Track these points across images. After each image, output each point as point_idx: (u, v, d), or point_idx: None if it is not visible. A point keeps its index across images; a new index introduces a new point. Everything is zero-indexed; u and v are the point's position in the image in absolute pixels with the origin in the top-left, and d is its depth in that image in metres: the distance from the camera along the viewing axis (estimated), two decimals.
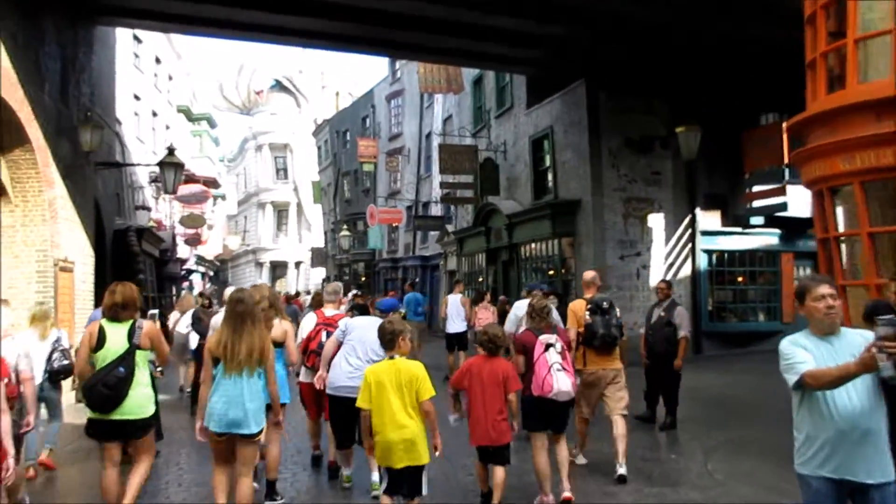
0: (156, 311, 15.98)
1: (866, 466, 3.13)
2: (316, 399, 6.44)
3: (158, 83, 26.54)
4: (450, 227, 23.34)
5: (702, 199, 15.04)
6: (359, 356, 5.80)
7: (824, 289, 3.30)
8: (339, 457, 6.20)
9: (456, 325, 12.77)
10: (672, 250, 14.88)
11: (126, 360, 4.88)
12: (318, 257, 40.98)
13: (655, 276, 14.25)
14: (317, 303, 7.81)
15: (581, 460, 6.68)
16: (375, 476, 5.53)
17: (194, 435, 4.93)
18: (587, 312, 6.57)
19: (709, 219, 15.16)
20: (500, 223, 17.91)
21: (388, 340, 4.68)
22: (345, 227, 33.20)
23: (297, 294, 27.76)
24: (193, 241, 29.81)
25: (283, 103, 50.00)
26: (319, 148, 42.52)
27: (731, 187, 15.27)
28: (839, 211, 6.31)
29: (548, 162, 16.53)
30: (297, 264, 50.34)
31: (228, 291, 7.59)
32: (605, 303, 6.57)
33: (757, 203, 15.02)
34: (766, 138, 14.10)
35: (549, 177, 16.41)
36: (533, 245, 16.88)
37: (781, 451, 6.63)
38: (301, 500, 5.93)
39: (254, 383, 4.77)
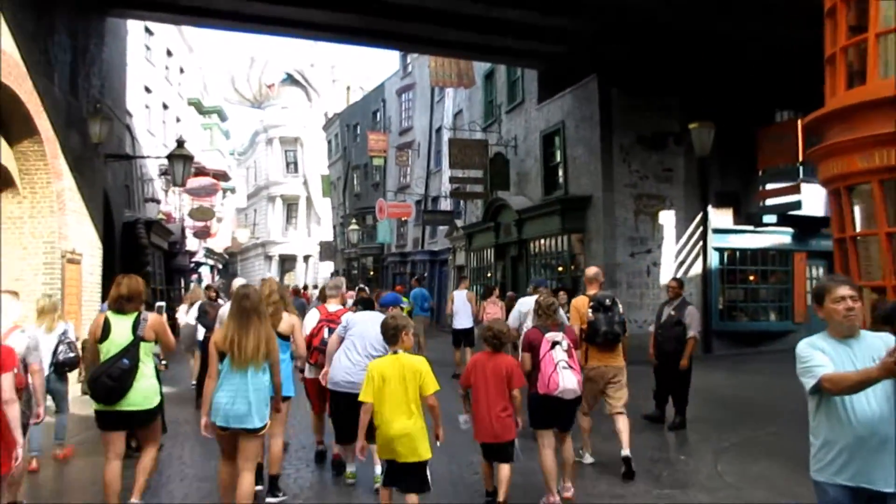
0: (162, 304, 16.03)
1: (885, 474, 3.01)
2: (320, 395, 6.41)
3: (170, 76, 26.54)
4: (459, 222, 23.25)
5: (714, 197, 14.88)
6: (358, 351, 5.82)
7: (844, 290, 3.18)
8: (343, 452, 6.16)
9: (463, 320, 12.71)
10: (683, 248, 14.73)
11: (130, 351, 4.90)
12: (327, 251, 40.98)
13: (666, 273, 14.12)
14: (324, 296, 7.75)
15: (588, 459, 6.59)
16: (378, 469, 5.51)
17: (199, 429, 4.90)
18: (590, 309, 6.55)
19: (721, 216, 15.00)
20: (510, 219, 17.80)
21: (392, 336, 4.66)
22: (354, 221, 33.17)
23: (305, 287, 27.77)
24: (202, 233, 29.85)
25: (294, 97, 50.00)
26: (329, 142, 42.50)
27: (743, 185, 15.10)
28: (856, 210, 6.17)
29: (558, 157, 16.41)
30: (306, 258, 50.39)
31: (237, 283, 7.56)
32: (607, 300, 6.56)
33: (770, 201, 14.87)
34: (780, 135, 13.93)
35: (560, 172, 16.29)
36: (542, 241, 16.76)
37: (793, 453, 6.54)
38: (304, 496, 5.86)
39: (259, 378, 4.75)
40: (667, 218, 14.64)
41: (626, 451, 6.23)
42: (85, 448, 7.35)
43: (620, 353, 6.59)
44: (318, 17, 13.48)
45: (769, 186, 14.93)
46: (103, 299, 12.14)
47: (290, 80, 49.56)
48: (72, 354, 6.95)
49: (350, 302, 8.58)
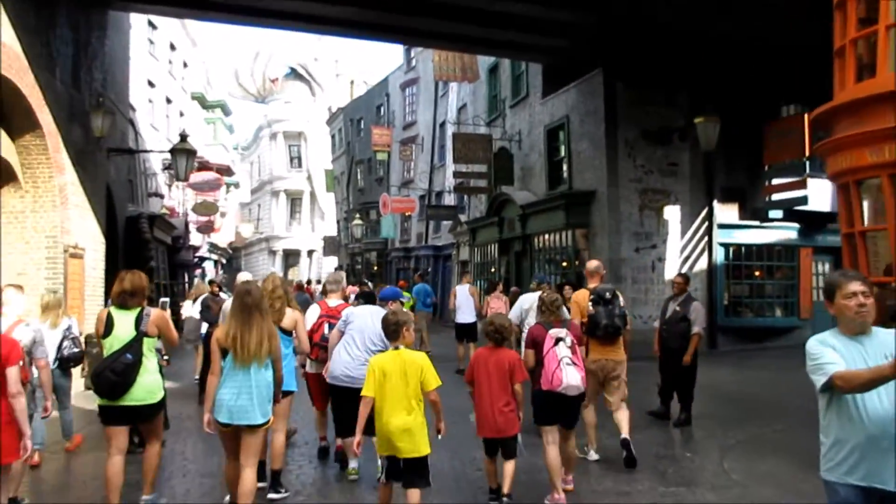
0: (166, 300, 16.01)
1: None
2: (322, 390, 6.38)
3: (173, 70, 26.49)
4: (463, 217, 23.18)
5: (719, 192, 14.78)
6: (358, 346, 5.83)
7: (856, 285, 3.11)
8: (345, 446, 6.13)
9: (465, 315, 12.70)
10: (688, 243, 14.64)
11: (133, 346, 4.91)
12: (331, 246, 40.97)
13: (671, 269, 14.05)
14: (326, 291, 7.73)
15: (593, 456, 6.54)
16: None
17: (201, 425, 4.89)
18: (590, 303, 6.55)
19: (726, 212, 14.90)
20: (514, 213, 17.73)
21: (393, 331, 4.64)
22: (357, 215, 33.14)
23: (309, 282, 27.74)
24: (206, 228, 29.82)
25: (298, 91, 49.94)
26: (333, 136, 42.44)
27: (749, 180, 15.00)
28: (865, 205, 6.08)
29: (563, 152, 16.32)
30: (310, 253, 50.40)
31: (241, 277, 7.54)
32: (608, 293, 6.55)
33: (776, 196, 14.75)
34: (787, 130, 13.80)
35: (564, 167, 16.21)
36: (546, 236, 16.69)
37: (800, 451, 6.48)
38: (307, 492, 5.82)
39: (262, 375, 4.74)
40: (672, 213, 14.55)
41: (624, 434, 6.33)
42: (87, 443, 7.34)
43: (621, 346, 6.60)
44: (322, 10, 13.40)
45: (775, 181, 14.82)
46: (106, 294, 12.12)
47: (294, 74, 49.51)
48: (76, 350, 6.97)
49: (353, 297, 8.54)
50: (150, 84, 22.73)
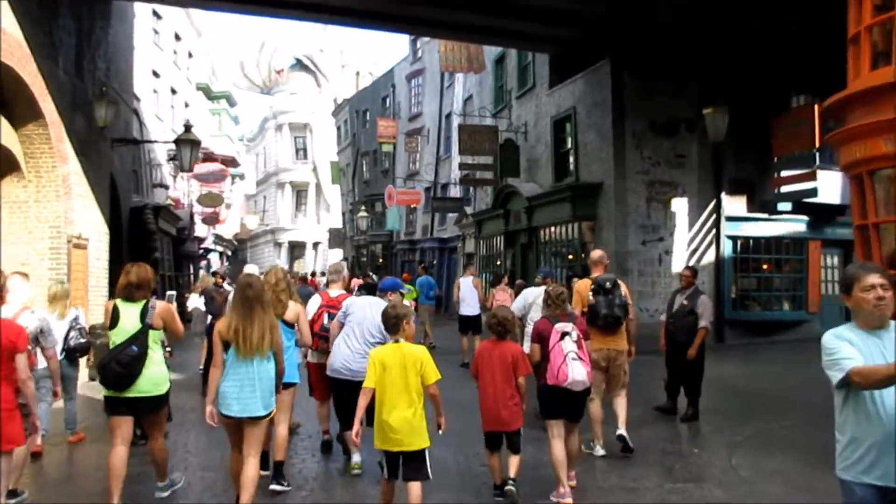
0: (173, 293, 15.99)
1: None
2: (322, 380, 6.33)
3: (178, 60, 26.40)
4: (468, 209, 23.07)
5: (728, 184, 14.63)
6: (357, 339, 5.82)
7: (874, 278, 3.00)
8: (346, 439, 6.09)
9: (469, 307, 12.62)
10: (696, 236, 14.51)
11: (139, 339, 4.93)
12: (336, 238, 40.93)
13: (678, 262, 13.92)
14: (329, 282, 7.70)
15: (599, 452, 6.44)
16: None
17: (204, 417, 4.87)
18: (590, 292, 6.56)
19: (734, 204, 14.76)
20: (520, 206, 17.62)
21: (393, 325, 4.64)
22: (363, 207, 33.05)
23: (314, 274, 27.69)
24: (211, 219, 29.81)
25: (304, 83, 49.81)
26: (339, 128, 42.34)
27: (758, 172, 14.84)
28: (879, 196, 5.95)
29: (569, 143, 16.19)
30: (316, 245, 50.38)
31: (247, 269, 7.49)
32: (608, 282, 6.55)
33: (785, 188, 14.60)
34: (797, 121, 13.65)
35: (571, 159, 16.07)
36: (552, 228, 16.58)
37: (810, 447, 6.39)
38: (309, 486, 5.75)
39: (265, 367, 4.76)
40: (679, 205, 14.41)
41: (621, 430, 6.41)
42: (91, 435, 7.30)
43: (623, 335, 6.61)
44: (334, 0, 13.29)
45: (784, 173, 14.66)
46: (110, 285, 12.08)
47: (300, 65, 49.37)
48: (83, 340, 7.04)
49: (357, 291, 8.48)
50: (155, 74, 22.66)
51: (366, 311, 5.87)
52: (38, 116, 9.64)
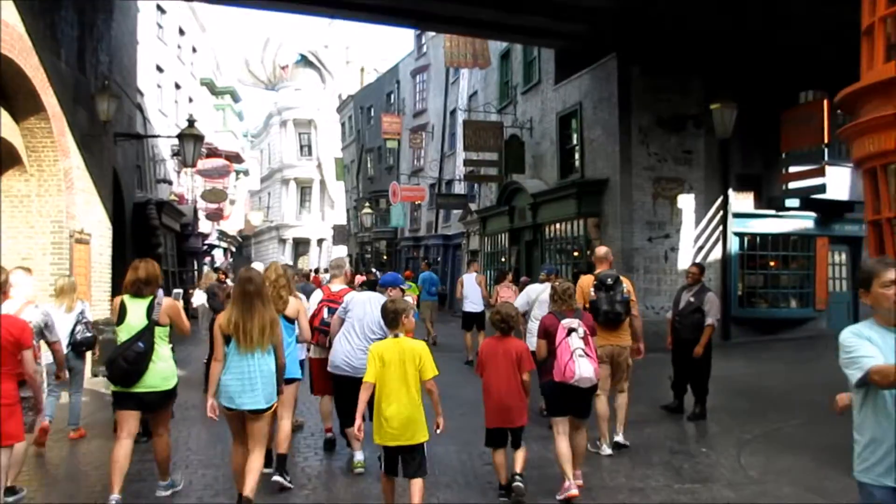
0: (179, 291, 15.92)
1: None
2: (323, 375, 6.28)
3: (182, 55, 26.34)
4: (473, 206, 22.97)
5: (735, 180, 14.48)
6: (357, 335, 5.79)
7: (894, 273, 2.89)
8: (348, 436, 6.02)
9: (473, 304, 12.55)
10: (702, 233, 14.37)
11: (144, 335, 4.96)
12: (341, 235, 40.84)
13: (684, 259, 13.79)
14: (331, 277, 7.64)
15: (606, 451, 6.35)
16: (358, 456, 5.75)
17: (206, 413, 4.85)
18: (592, 289, 6.56)
19: (741, 200, 14.60)
20: (525, 202, 17.50)
21: (392, 320, 4.66)
22: (367, 204, 32.95)
23: (317, 271, 27.61)
24: (215, 215, 29.75)
25: (308, 78, 49.68)
26: (343, 124, 42.23)
27: (766, 168, 14.69)
28: (892, 190, 5.83)
29: (575, 140, 16.06)
30: (320, 241, 50.30)
31: (257, 267, 7.46)
32: (609, 279, 6.53)
33: (793, 184, 14.43)
34: (805, 117, 13.49)
35: (576, 155, 15.95)
36: (558, 225, 16.47)
37: (819, 446, 6.28)
38: (312, 485, 5.67)
39: (266, 360, 4.78)
40: (686, 202, 14.27)
41: (618, 438, 6.47)
42: (92, 431, 7.26)
43: (626, 332, 6.60)
44: None
45: (792, 169, 14.49)
46: (113, 281, 12.02)
47: (304, 61, 49.24)
48: (89, 334, 7.08)
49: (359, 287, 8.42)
50: (159, 69, 22.59)
51: (366, 306, 5.85)
52: (40, 110, 9.57)
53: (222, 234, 37.09)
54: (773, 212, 14.65)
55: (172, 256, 20.77)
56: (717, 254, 14.35)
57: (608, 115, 14.47)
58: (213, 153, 28.41)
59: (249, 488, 4.63)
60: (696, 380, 8.05)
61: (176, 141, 15.68)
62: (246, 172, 45.17)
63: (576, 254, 15.63)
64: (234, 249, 44.20)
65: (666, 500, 5.27)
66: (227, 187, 29.84)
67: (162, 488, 5.29)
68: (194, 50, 28.67)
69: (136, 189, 17.35)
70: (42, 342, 5.72)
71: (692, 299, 8.14)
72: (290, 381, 5.65)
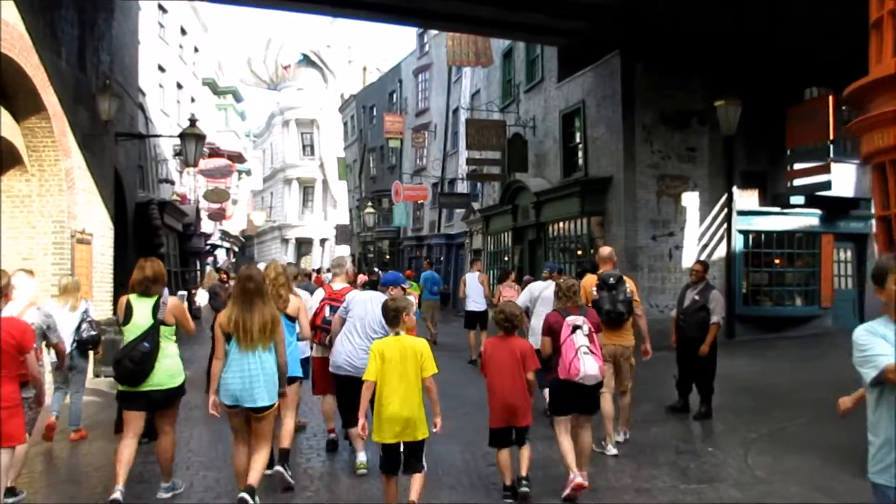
0: (184, 293, 15.87)
1: None
2: (325, 375, 6.25)
3: (184, 55, 26.29)
4: (476, 205, 22.89)
5: (739, 177, 14.39)
6: (359, 335, 5.77)
7: None
8: (351, 437, 5.99)
9: (476, 303, 12.49)
10: (707, 230, 14.29)
11: (151, 335, 4.98)
12: (343, 234, 40.81)
13: (689, 257, 13.71)
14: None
15: (612, 451, 6.28)
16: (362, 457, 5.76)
17: (208, 413, 4.89)
18: (595, 288, 6.57)
19: (746, 198, 14.51)
20: (528, 201, 17.43)
21: (392, 318, 4.70)
22: (370, 204, 32.89)
23: (318, 271, 27.55)
24: (218, 215, 29.73)
25: (310, 78, 49.63)
26: (346, 124, 42.17)
27: (770, 165, 14.58)
28: None
29: (578, 138, 15.98)
30: (323, 241, 50.25)
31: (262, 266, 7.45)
32: (612, 278, 6.55)
33: (798, 181, 14.32)
34: (810, 113, 13.38)
35: (580, 153, 15.87)
36: (561, 224, 16.39)
37: (827, 446, 6.21)
38: (314, 487, 5.61)
39: (267, 358, 4.80)
40: (690, 199, 14.18)
41: (619, 437, 6.51)
42: (92, 433, 7.22)
43: (629, 332, 6.61)
44: None
45: (797, 166, 14.38)
46: (115, 280, 11.98)
47: (307, 61, 49.20)
48: (94, 333, 7.12)
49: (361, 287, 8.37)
50: (161, 69, 22.55)
51: (367, 305, 5.82)
52: (41, 109, 9.51)
53: (225, 235, 37.08)
54: (777, 209, 14.55)
55: (175, 256, 20.74)
56: (721, 251, 14.27)
57: (611, 113, 14.39)
58: (215, 153, 28.40)
59: (253, 479, 4.66)
60: (702, 378, 7.98)
61: (178, 141, 15.63)
62: (248, 172, 45.15)
63: (579, 252, 15.56)
64: (236, 249, 44.20)
65: (672, 500, 5.21)
66: (229, 187, 29.83)
67: (163, 490, 5.25)
68: (196, 50, 28.63)
69: (139, 189, 17.31)
70: (44, 344, 5.73)
71: (697, 297, 8.08)
72: (292, 379, 5.62)
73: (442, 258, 26.53)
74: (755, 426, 7.35)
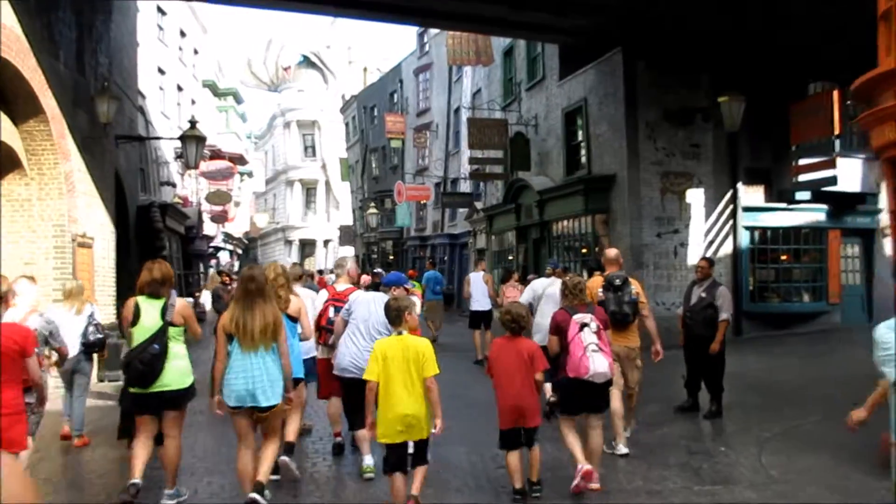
0: (191, 301, 15.78)
1: None
2: (330, 377, 6.19)
3: (183, 57, 26.23)
4: (479, 205, 22.80)
5: (744, 174, 14.28)
6: (363, 336, 5.72)
7: None
8: (357, 440, 5.90)
9: (480, 303, 12.42)
10: (712, 227, 14.18)
11: (159, 337, 5.00)
12: (347, 235, 40.75)
13: (694, 254, 13.60)
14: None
15: (622, 451, 6.17)
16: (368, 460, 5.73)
17: (212, 418, 4.81)
18: (600, 289, 6.55)
19: (751, 194, 14.41)
20: (531, 200, 17.33)
21: (394, 317, 4.72)
22: (372, 204, 32.80)
23: (321, 272, 27.47)
24: (220, 218, 29.68)
25: (311, 79, 49.56)
26: (347, 124, 42.11)
27: (775, 161, 14.48)
28: None
29: (581, 136, 15.88)
30: (326, 242, 50.20)
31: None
32: (617, 280, 6.53)
33: (803, 177, 14.21)
34: (816, 108, 13.28)
35: (583, 151, 15.77)
36: (565, 222, 16.30)
37: (841, 444, 6.08)
38: (320, 492, 5.52)
39: (269, 358, 4.80)
40: (695, 196, 14.08)
41: (626, 432, 6.39)
42: (95, 439, 7.13)
43: (634, 333, 6.57)
44: None
45: (802, 161, 14.27)
46: (118, 284, 11.91)
47: (307, 62, 49.12)
48: (100, 336, 7.13)
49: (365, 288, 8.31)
50: (161, 71, 22.49)
51: (370, 306, 5.77)
52: (39, 112, 9.45)
53: (228, 237, 37.03)
54: (783, 205, 14.45)
55: (178, 259, 20.69)
56: (727, 248, 14.17)
57: (614, 111, 14.29)
58: (216, 155, 28.34)
59: (262, 473, 4.65)
60: (711, 377, 7.88)
61: (179, 143, 15.56)
62: (250, 174, 45.12)
63: (584, 251, 15.46)
64: (240, 251, 44.15)
65: (685, 501, 5.10)
66: (231, 189, 29.78)
67: (167, 497, 5.17)
68: (196, 52, 28.57)
69: (140, 192, 17.25)
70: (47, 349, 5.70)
71: (703, 294, 7.99)
72: (294, 381, 5.53)
73: (445, 258, 26.45)
74: (767, 425, 7.23)
